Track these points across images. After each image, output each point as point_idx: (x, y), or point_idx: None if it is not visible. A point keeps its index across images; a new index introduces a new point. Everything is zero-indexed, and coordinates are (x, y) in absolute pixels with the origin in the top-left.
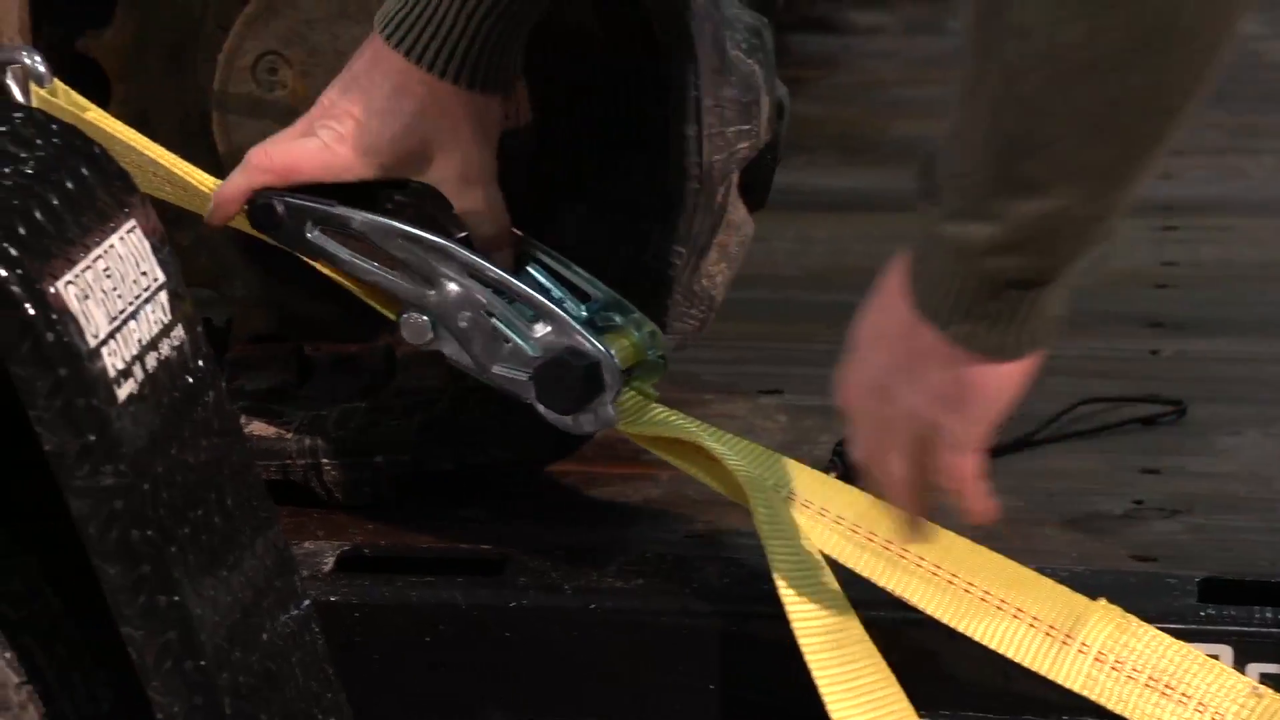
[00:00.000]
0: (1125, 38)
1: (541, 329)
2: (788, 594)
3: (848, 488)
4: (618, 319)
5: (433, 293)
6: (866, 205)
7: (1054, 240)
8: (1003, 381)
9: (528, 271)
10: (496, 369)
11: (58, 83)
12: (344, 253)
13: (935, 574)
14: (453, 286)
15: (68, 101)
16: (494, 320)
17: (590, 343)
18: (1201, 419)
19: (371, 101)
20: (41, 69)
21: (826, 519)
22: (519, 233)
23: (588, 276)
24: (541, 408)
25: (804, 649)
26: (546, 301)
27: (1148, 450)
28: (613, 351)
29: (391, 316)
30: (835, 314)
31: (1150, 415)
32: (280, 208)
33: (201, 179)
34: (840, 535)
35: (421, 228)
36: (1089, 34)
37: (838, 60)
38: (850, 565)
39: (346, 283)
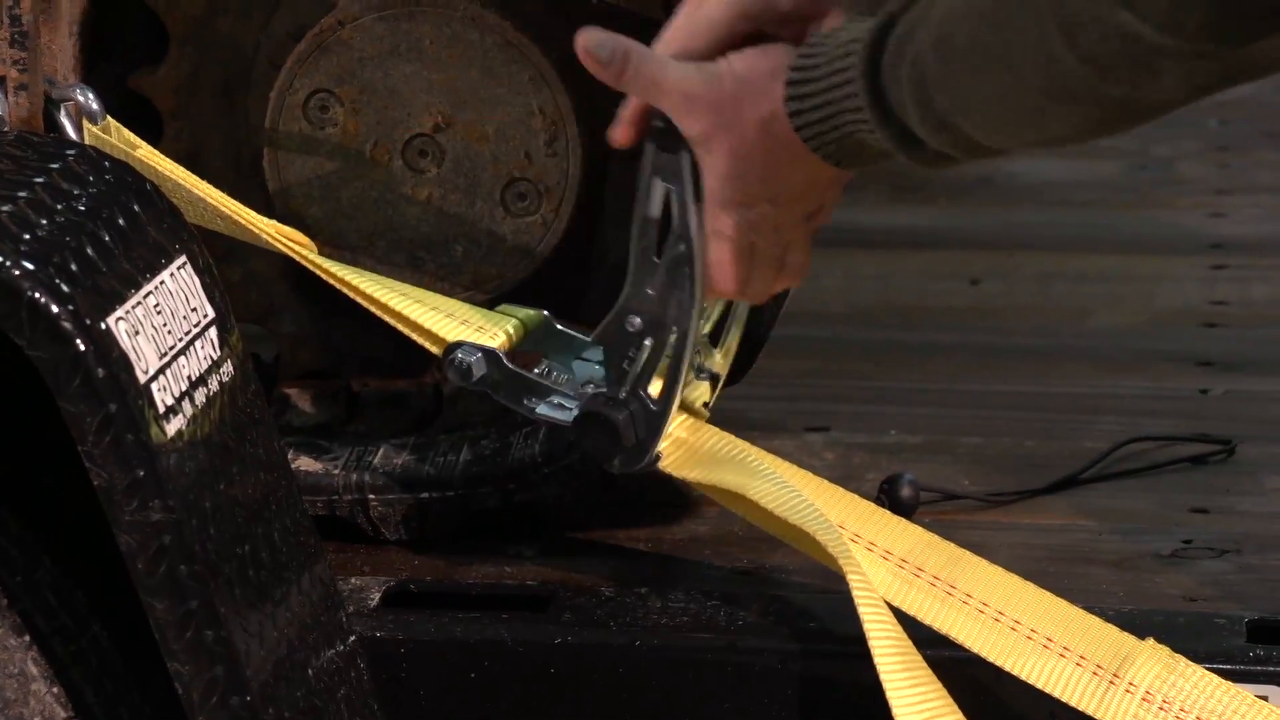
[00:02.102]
0: None
1: (584, 375)
2: (872, 624)
3: (897, 521)
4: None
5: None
6: (914, 243)
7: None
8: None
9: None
10: (541, 410)
11: (110, 120)
12: None
13: (982, 611)
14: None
15: (119, 139)
16: (546, 363)
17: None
18: (1251, 458)
19: None
20: (95, 106)
21: (875, 552)
22: (548, 314)
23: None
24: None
25: (885, 680)
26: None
27: (1196, 489)
28: (651, 396)
29: (436, 352)
30: (882, 351)
31: (1199, 454)
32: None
33: (251, 217)
34: (888, 570)
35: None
36: None
37: None
38: (897, 602)
39: (391, 319)
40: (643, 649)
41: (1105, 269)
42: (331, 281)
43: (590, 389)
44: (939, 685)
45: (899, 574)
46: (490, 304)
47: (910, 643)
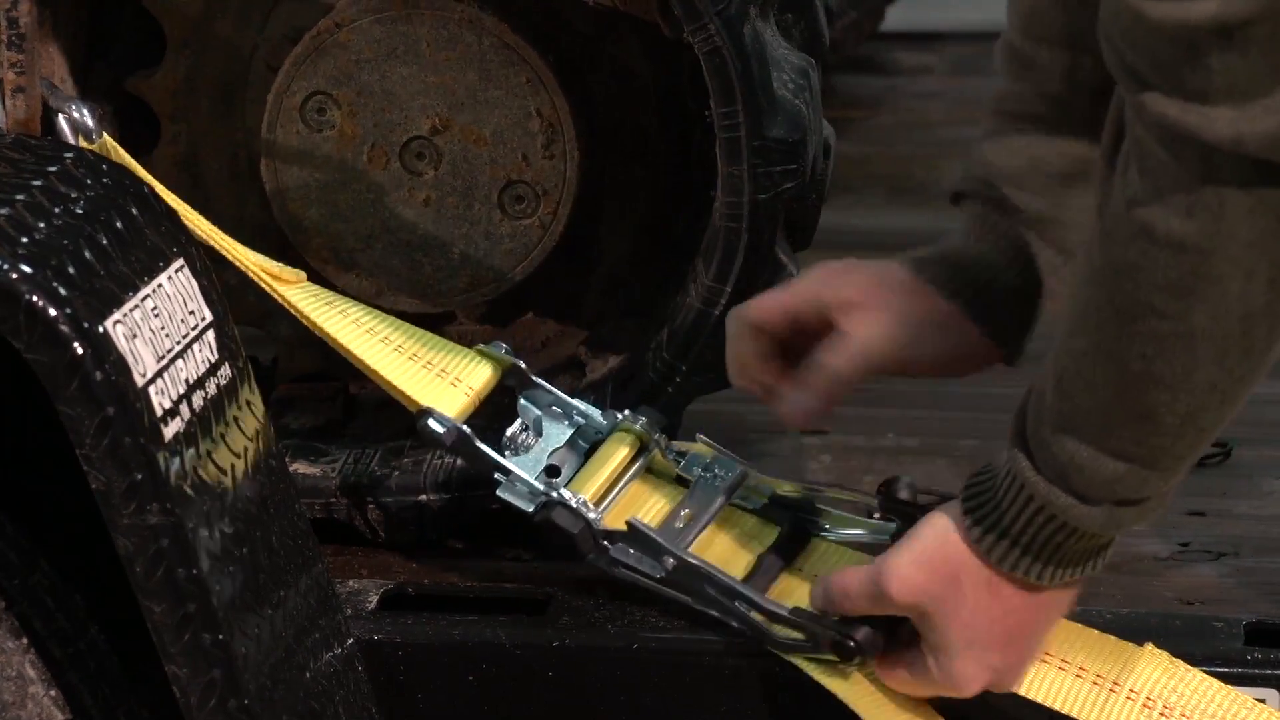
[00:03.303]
0: None
1: (553, 439)
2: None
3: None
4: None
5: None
6: (912, 245)
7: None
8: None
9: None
10: (502, 491)
11: (106, 138)
12: None
13: None
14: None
15: (115, 157)
16: (520, 419)
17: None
18: (1248, 461)
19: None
20: (90, 123)
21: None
22: (523, 365)
23: (573, 403)
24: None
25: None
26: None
27: (1194, 492)
28: (590, 506)
29: (411, 410)
30: None
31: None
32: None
33: (240, 252)
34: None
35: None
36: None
37: (884, 101)
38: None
39: (369, 372)
40: (640, 652)
41: None
42: (308, 324)
43: (554, 469)
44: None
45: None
46: (490, 305)
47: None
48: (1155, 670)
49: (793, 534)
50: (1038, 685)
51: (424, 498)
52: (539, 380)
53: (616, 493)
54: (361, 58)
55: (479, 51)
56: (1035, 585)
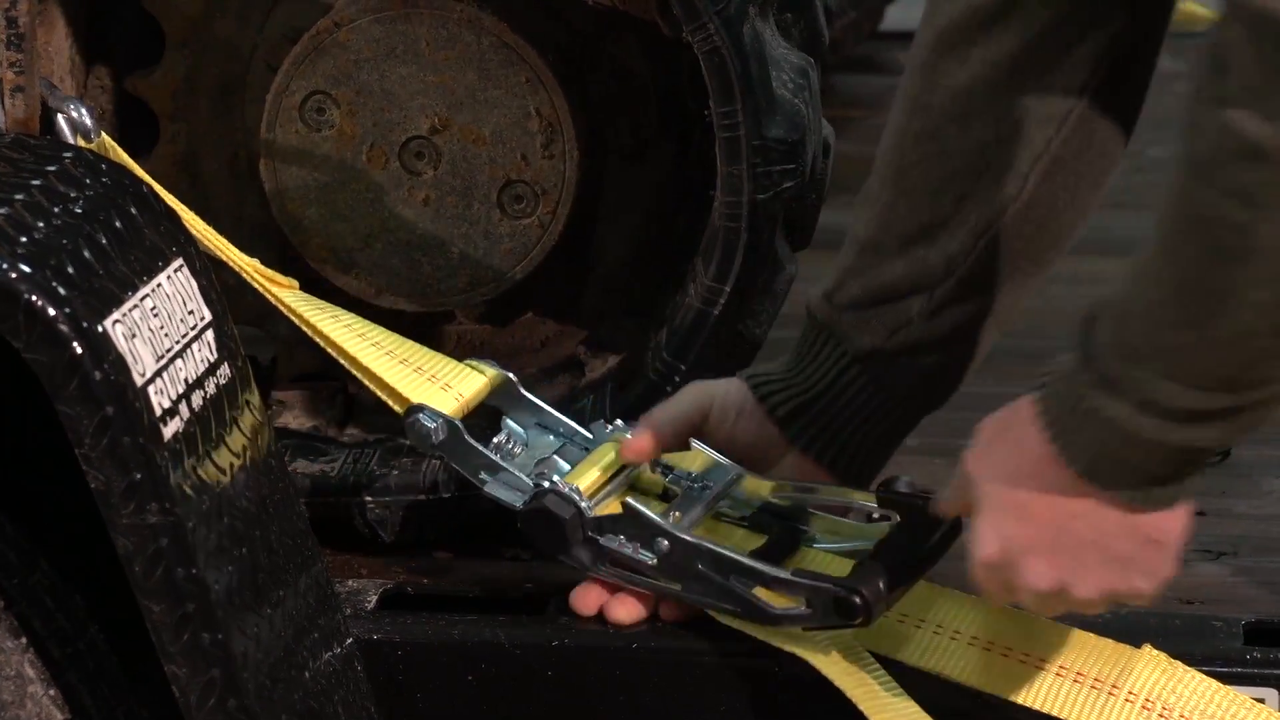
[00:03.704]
0: None
1: (540, 448)
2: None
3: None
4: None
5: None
6: None
7: (1265, 416)
8: (1181, 523)
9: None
10: (490, 488)
11: (105, 137)
12: None
13: (971, 643)
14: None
15: (114, 156)
16: (506, 429)
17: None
18: (1247, 461)
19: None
20: (89, 123)
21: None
22: (513, 377)
23: (560, 418)
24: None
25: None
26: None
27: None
28: (582, 495)
29: (397, 410)
30: None
31: None
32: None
33: (234, 255)
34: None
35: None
36: None
37: (883, 100)
38: (890, 654)
39: (355, 371)
40: (639, 652)
41: (1103, 271)
42: (300, 324)
43: (543, 471)
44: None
45: (882, 620)
46: (490, 305)
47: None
48: (1154, 672)
49: (780, 541)
50: (1036, 692)
51: (423, 497)
52: (528, 395)
53: (603, 498)
54: (361, 57)
55: (478, 51)
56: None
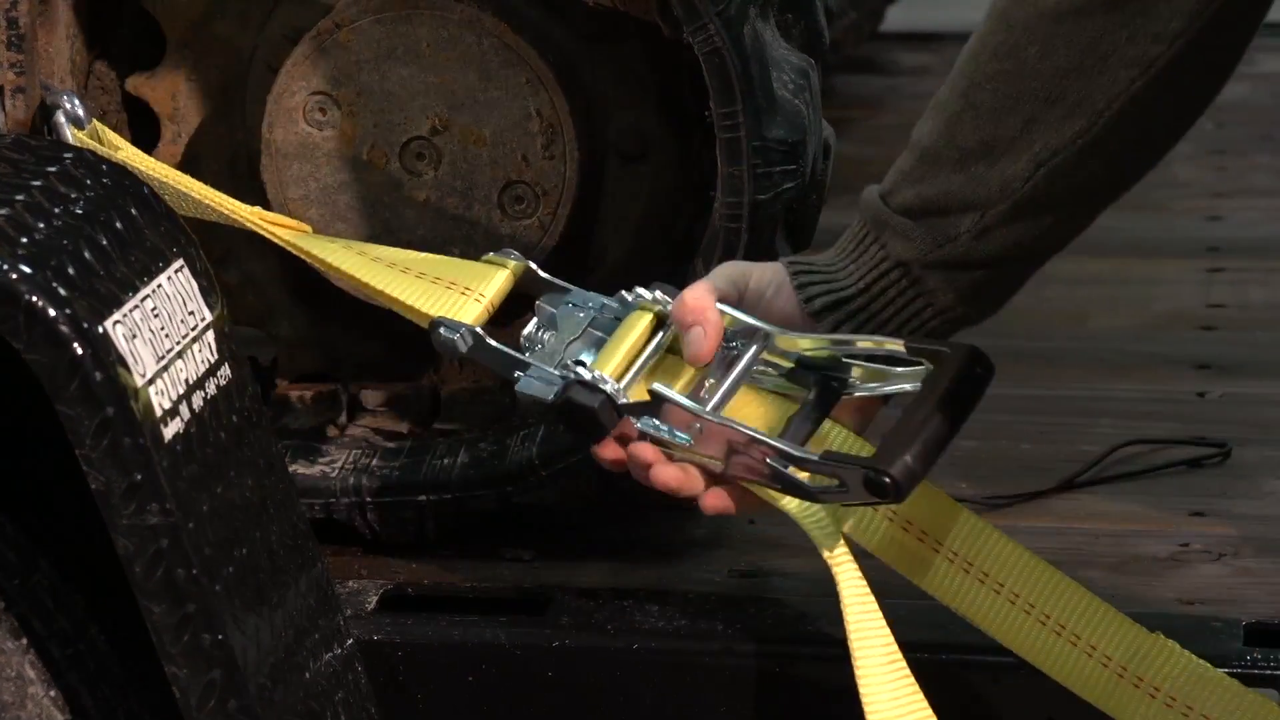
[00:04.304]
0: None
1: (569, 330)
2: (855, 628)
3: (924, 488)
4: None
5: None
6: None
7: None
8: None
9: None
10: (522, 386)
11: (96, 123)
12: None
13: (998, 591)
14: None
15: (105, 142)
16: (535, 320)
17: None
18: (1248, 461)
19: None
20: (80, 112)
21: (896, 522)
22: (533, 265)
23: (588, 295)
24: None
25: (861, 685)
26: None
27: (1193, 493)
28: (610, 379)
29: (423, 325)
30: None
31: (1196, 458)
32: None
33: (237, 206)
34: (909, 541)
35: None
36: None
37: (883, 101)
38: (913, 577)
39: (378, 298)
40: (640, 652)
41: (1102, 272)
42: (313, 263)
43: (570, 361)
44: (916, 687)
45: (919, 547)
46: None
47: (891, 638)
48: (1164, 660)
49: (821, 395)
50: (1045, 656)
51: (424, 498)
52: (552, 279)
53: (637, 370)
54: (361, 58)
55: (479, 52)
56: None
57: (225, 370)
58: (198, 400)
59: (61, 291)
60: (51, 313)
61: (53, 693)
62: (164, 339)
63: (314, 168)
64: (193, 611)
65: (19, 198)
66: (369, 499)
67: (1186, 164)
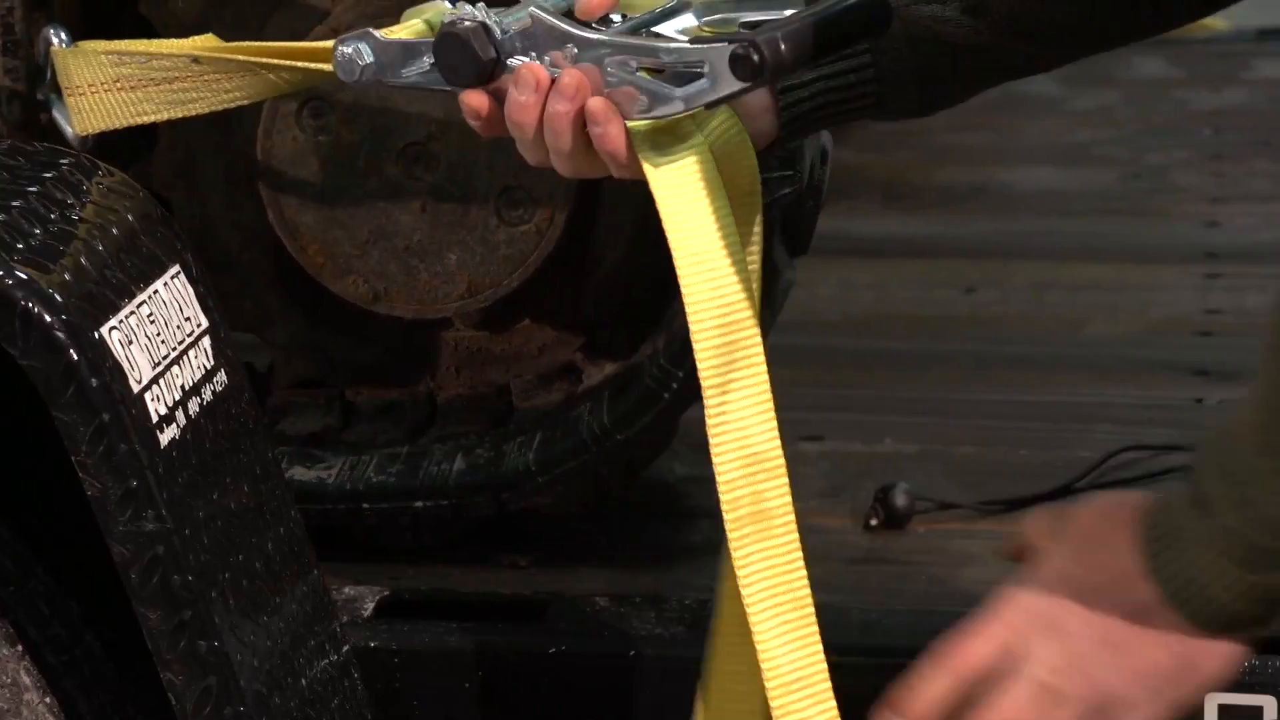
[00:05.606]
0: None
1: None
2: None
3: None
4: None
5: None
6: (909, 252)
7: None
8: (1223, 658)
9: None
10: (411, 74)
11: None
12: None
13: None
14: None
15: (95, 47)
16: None
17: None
18: None
19: None
20: (63, 35)
21: None
22: None
23: None
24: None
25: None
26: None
27: None
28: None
29: (329, 64)
30: (876, 360)
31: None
32: None
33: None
34: None
35: None
36: None
37: None
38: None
39: (288, 69)
40: (637, 658)
41: (1100, 278)
42: (232, 59)
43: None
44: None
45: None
46: (487, 311)
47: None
48: None
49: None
50: None
51: (420, 504)
52: None
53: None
54: None
55: None
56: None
57: (221, 376)
58: (194, 406)
59: (57, 297)
60: (47, 318)
61: (48, 699)
62: (160, 345)
63: (311, 173)
64: (189, 618)
65: (15, 203)
66: (366, 505)
67: (1184, 169)
